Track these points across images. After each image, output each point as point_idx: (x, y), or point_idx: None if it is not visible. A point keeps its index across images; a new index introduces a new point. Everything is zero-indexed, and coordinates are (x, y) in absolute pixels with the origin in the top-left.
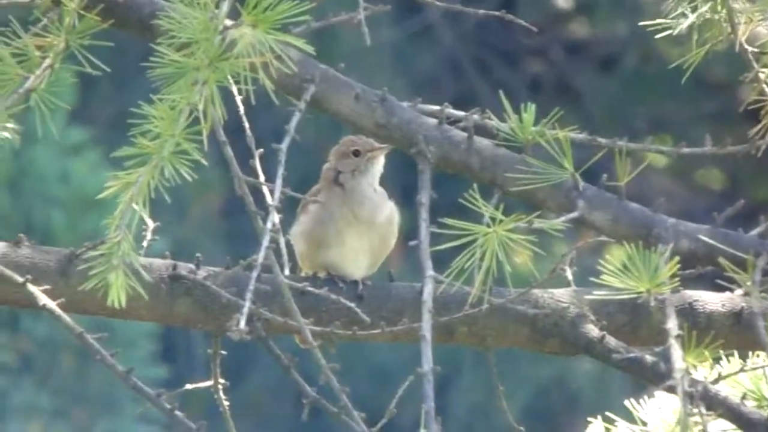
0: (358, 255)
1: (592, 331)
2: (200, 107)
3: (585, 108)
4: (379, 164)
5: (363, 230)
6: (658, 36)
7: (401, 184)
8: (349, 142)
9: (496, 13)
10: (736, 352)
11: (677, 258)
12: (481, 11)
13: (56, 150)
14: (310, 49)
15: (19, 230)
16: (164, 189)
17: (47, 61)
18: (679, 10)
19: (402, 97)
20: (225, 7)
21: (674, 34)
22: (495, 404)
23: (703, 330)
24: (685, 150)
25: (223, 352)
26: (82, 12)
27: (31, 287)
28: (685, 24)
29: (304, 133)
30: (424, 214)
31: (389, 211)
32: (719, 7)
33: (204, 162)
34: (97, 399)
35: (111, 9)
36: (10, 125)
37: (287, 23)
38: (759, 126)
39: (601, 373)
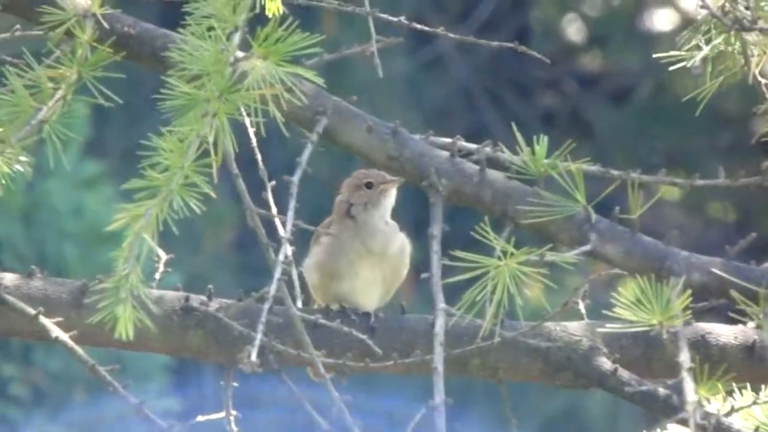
0: (370, 286)
1: (605, 364)
2: (210, 139)
3: (598, 141)
4: (391, 197)
5: (375, 262)
6: (671, 68)
7: (413, 216)
8: (361, 174)
9: (509, 44)
10: (748, 385)
11: (689, 291)
12: (494, 43)
13: (69, 183)
14: (320, 81)
15: (32, 263)
16: (176, 222)
17: (60, 93)
18: (693, 43)
19: (414, 128)
20: (236, 39)
21: (688, 66)
22: None
23: (715, 363)
24: (699, 182)
25: (235, 384)
26: (94, 44)
27: (43, 319)
28: (698, 56)
29: (316, 166)
30: (435, 247)
31: (401, 242)
32: (733, 40)
33: (213, 195)
34: None
35: (124, 41)
36: (23, 158)
37: (298, 55)
38: None
39: (613, 406)
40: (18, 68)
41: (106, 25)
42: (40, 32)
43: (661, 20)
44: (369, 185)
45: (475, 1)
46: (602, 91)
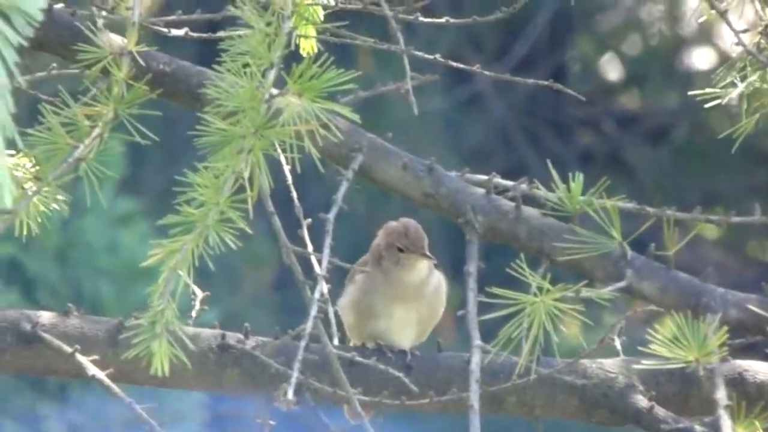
0: (406, 327)
1: (641, 401)
2: (246, 175)
3: (636, 180)
4: (422, 266)
5: (411, 304)
6: (707, 105)
7: (449, 253)
8: (396, 234)
9: (545, 82)
10: None
11: (726, 327)
12: (530, 80)
13: (105, 220)
14: (356, 117)
15: (67, 300)
16: (215, 260)
17: (96, 131)
18: (728, 80)
19: (451, 167)
20: (271, 75)
21: (723, 103)
22: None
23: (753, 400)
24: (735, 219)
25: (272, 422)
26: (130, 81)
27: (80, 357)
28: (733, 93)
29: (353, 203)
30: (471, 284)
31: (436, 282)
32: None
33: (249, 231)
34: None
35: (159, 79)
36: (59, 196)
37: (333, 92)
38: None
39: None
40: (54, 106)
41: (142, 62)
42: (77, 70)
43: (700, 59)
44: (401, 250)
45: (512, 39)
46: (640, 130)
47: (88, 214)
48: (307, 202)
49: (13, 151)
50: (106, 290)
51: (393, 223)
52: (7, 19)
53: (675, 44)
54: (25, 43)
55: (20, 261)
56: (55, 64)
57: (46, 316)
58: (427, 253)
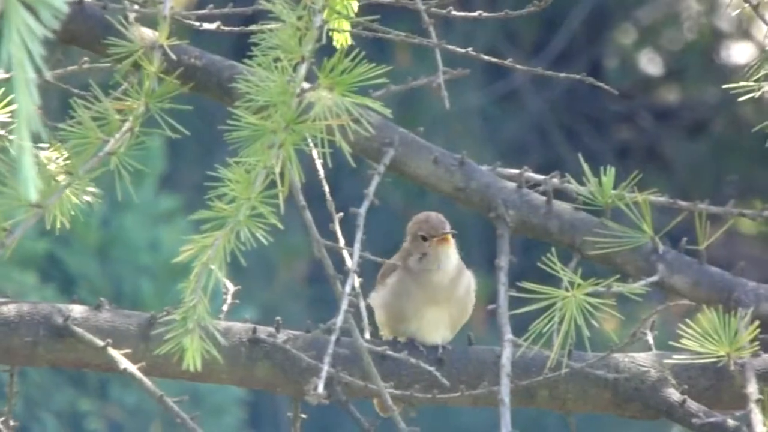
0: (437, 326)
1: (673, 395)
2: (277, 170)
3: (674, 174)
4: (448, 248)
5: (442, 306)
6: (740, 99)
7: (482, 247)
8: (417, 225)
9: (577, 76)
10: None
11: (758, 322)
12: (563, 74)
13: (145, 217)
14: (387, 112)
15: (108, 297)
16: (250, 254)
17: (127, 125)
18: (762, 73)
19: (487, 162)
20: (303, 70)
21: (756, 96)
22: None
23: None
24: (767, 213)
25: (304, 415)
26: (161, 75)
27: (111, 351)
28: (767, 87)
29: (388, 196)
30: (503, 278)
31: (466, 282)
32: None
33: (280, 226)
34: None
35: (191, 73)
36: (90, 188)
37: (365, 86)
38: None
39: None
40: (85, 100)
41: (173, 56)
42: (108, 64)
43: (739, 53)
44: (424, 238)
45: (550, 34)
46: (678, 124)
47: (129, 210)
48: (340, 196)
49: (43, 145)
50: (146, 287)
51: (415, 217)
52: (33, 12)
53: (714, 38)
54: (51, 36)
55: (60, 257)
56: (86, 58)
57: (77, 310)
58: (449, 232)
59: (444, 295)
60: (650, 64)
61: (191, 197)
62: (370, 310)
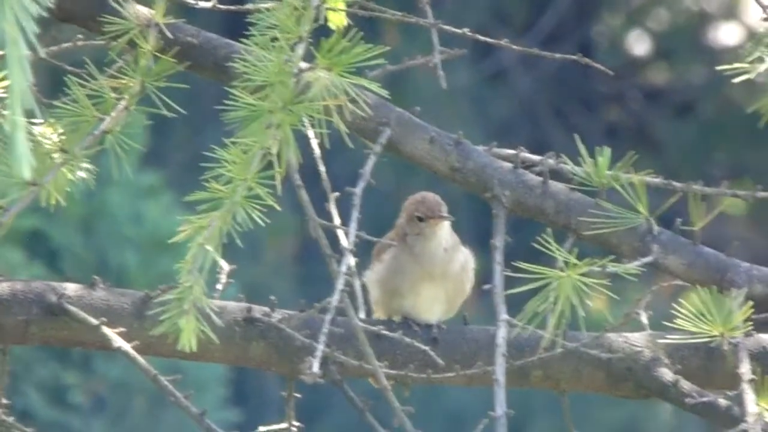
0: (433, 303)
1: (666, 375)
2: (274, 151)
3: (663, 154)
4: (444, 230)
5: (437, 282)
6: (735, 81)
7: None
8: (414, 205)
9: (572, 56)
10: None
11: (751, 302)
12: (557, 55)
13: (129, 192)
14: (384, 92)
15: (92, 271)
16: (237, 233)
17: (123, 103)
18: (756, 54)
19: (477, 142)
20: (300, 50)
21: (751, 78)
22: None
23: None
24: (761, 194)
25: (297, 394)
26: (157, 54)
27: (105, 329)
28: (761, 68)
29: (380, 177)
30: (498, 258)
31: (463, 259)
32: None
33: (277, 207)
34: None
35: (187, 51)
36: (85, 165)
37: (362, 66)
38: None
39: (675, 418)
40: (80, 78)
41: (169, 34)
42: (103, 42)
43: (726, 34)
44: (420, 218)
45: (539, 14)
46: (667, 105)
47: (113, 185)
48: (332, 175)
49: (38, 122)
50: (130, 260)
51: (411, 196)
52: None
53: (702, 19)
54: (44, 14)
55: (45, 232)
56: (81, 36)
57: (71, 288)
58: (445, 214)
59: (439, 271)
60: (639, 44)
61: (175, 173)
62: (365, 290)
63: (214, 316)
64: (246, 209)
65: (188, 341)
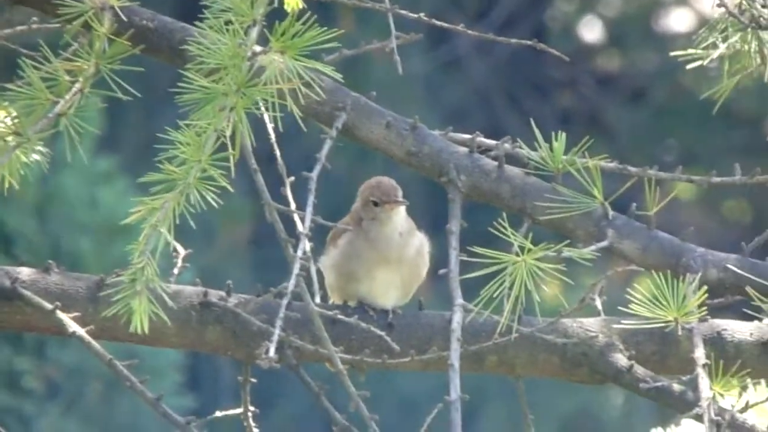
0: (388, 288)
1: (621, 360)
2: (227, 133)
3: (615, 140)
4: (399, 214)
5: (393, 266)
6: (688, 67)
7: (431, 212)
8: (369, 189)
9: (528, 42)
10: (763, 381)
11: (705, 287)
12: (513, 40)
13: (85, 176)
14: (338, 76)
15: (46, 256)
16: (192, 217)
17: (77, 86)
18: (710, 41)
19: (432, 128)
20: (254, 33)
21: (704, 64)
22: None
23: (730, 359)
24: (716, 179)
25: (253, 379)
26: (112, 37)
27: (60, 314)
28: (715, 54)
29: (337, 162)
30: (453, 243)
31: (418, 244)
32: (749, 38)
33: (230, 188)
34: (123, 427)
35: (142, 34)
36: (39, 147)
37: (317, 50)
38: None
39: (627, 402)
40: (35, 61)
41: (123, 17)
42: (57, 25)
43: (678, 20)
44: (375, 204)
45: (493, 2)
46: (619, 91)
47: (68, 170)
48: (286, 160)
49: None
50: (85, 246)
51: (367, 181)
52: None
53: (653, 5)
54: None
55: None
56: (35, 18)
57: (26, 273)
58: (401, 199)
59: (395, 255)
60: (591, 31)
61: (130, 157)
62: (321, 275)
63: (167, 298)
64: (199, 190)
65: (140, 322)
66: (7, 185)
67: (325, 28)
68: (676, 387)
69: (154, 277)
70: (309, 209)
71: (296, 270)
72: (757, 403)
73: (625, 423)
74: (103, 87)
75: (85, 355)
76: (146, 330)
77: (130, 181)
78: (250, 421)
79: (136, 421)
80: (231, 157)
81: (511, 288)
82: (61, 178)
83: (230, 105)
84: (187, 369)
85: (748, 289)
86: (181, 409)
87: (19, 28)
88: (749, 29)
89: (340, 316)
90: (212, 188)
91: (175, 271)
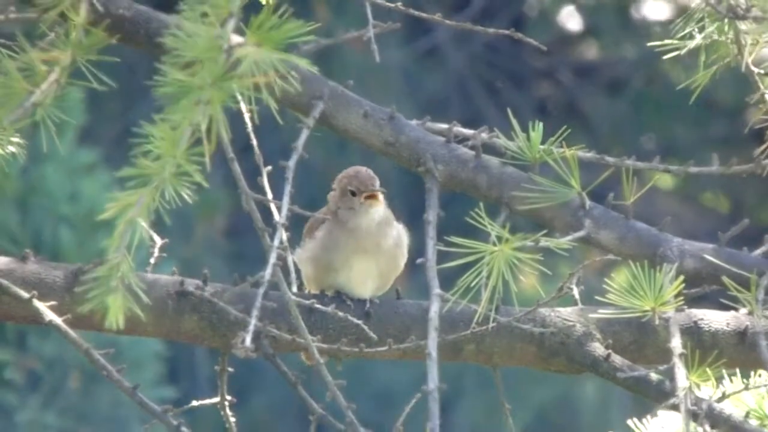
0: (366, 278)
1: (598, 349)
2: (203, 127)
3: (592, 130)
4: (377, 205)
5: (370, 256)
6: (666, 57)
7: (408, 202)
8: (347, 179)
9: (506, 31)
10: (739, 371)
11: (682, 277)
12: (491, 30)
13: (65, 169)
14: (314, 68)
15: (28, 248)
16: (168, 209)
17: (53, 76)
18: (687, 31)
19: (410, 118)
20: (230, 25)
21: (682, 54)
22: (498, 423)
23: (707, 349)
24: (693, 169)
25: (230, 369)
26: (88, 27)
27: (37, 303)
28: (692, 44)
29: (314, 152)
30: (431, 233)
31: (396, 234)
32: (726, 28)
33: (205, 184)
34: (104, 418)
35: (118, 24)
36: (15, 139)
37: (293, 42)
38: (764, 146)
39: (603, 393)
40: (11, 50)
41: (100, 7)
42: (34, 14)
43: (655, 10)
44: (353, 193)
45: None
46: (597, 81)
47: (49, 162)
48: (263, 151)
49: None
50: (67, 238)
51: (344, 171)
52: None
53: None
54: None
55: None
56: (12, 8)
57: (3, 261)
58: (378, 189)
59: (372, 245)
60: (569, 20)
61: (112, 150)
62: (297, 265)
63: (142, 294)
64: (174, 186)
65: (115, 319)
66: None
67: (302, 20)
68: (654, 376)
69: (129, 273)
70: (286, 199)
71: (273, 259)
72: (733, 393)
73: (601, 414)
74: (83, 78)
75: (66, 346)
76: (121, 326)
77: (112, 174)
78: (227, 410)
79: (116, 412)
80: (207, 152)
81: (488, 278)
82: (43, 170)
83: (206, 98)
84: (167, 360)
85: (725, 278)
86: (163, 401)
87: None
88: (726, 19)
89: (317, 305)
90: (188, 184)
91: (152, 260)
